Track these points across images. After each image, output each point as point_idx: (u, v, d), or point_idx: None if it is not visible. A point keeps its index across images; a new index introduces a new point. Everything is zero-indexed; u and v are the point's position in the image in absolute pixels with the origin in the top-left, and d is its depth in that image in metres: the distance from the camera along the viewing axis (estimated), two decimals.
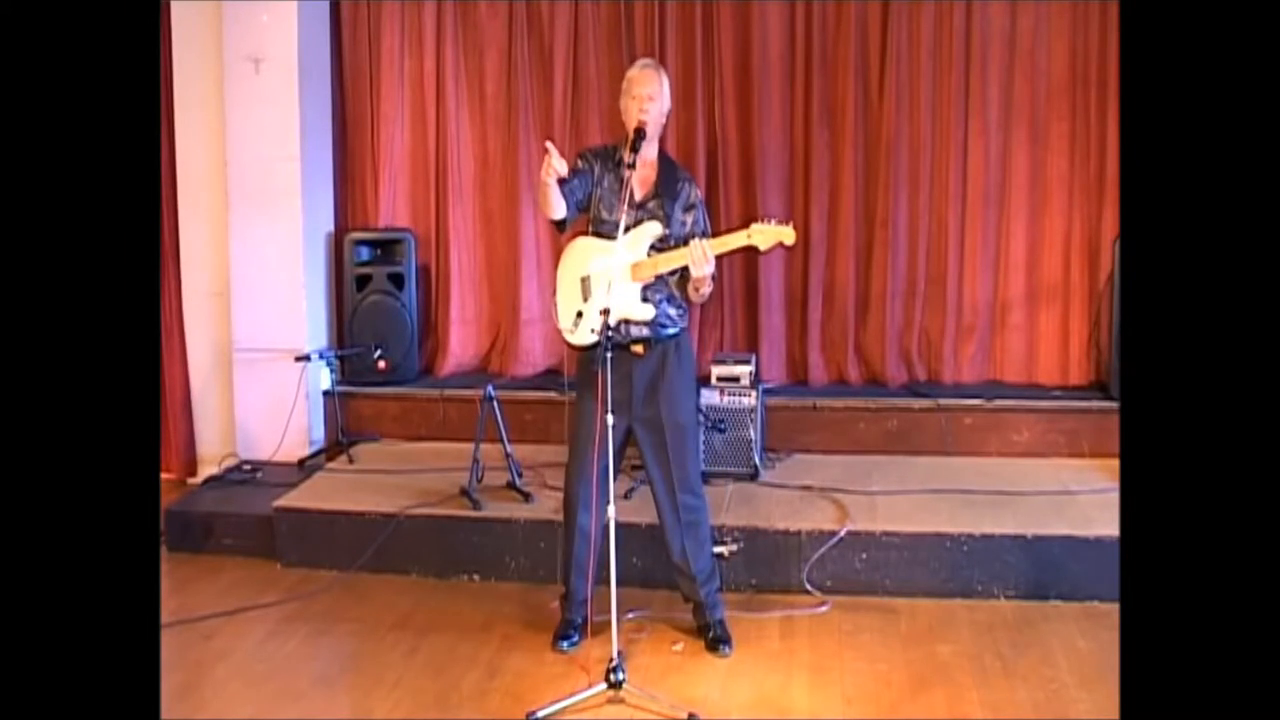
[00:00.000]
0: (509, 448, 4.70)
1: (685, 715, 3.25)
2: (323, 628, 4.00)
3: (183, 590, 4.33)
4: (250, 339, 5.49)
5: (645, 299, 3.64)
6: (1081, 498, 4.44)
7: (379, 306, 5.57)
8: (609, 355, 3.40)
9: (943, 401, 5.12)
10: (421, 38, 5.74)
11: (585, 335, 3.57)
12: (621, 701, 3.35)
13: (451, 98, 5.73)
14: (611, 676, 3.36)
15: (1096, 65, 5.24)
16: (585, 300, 3.65)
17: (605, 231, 3.66)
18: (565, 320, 3.69)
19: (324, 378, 5.50)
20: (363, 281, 5.57)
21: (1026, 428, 5.07)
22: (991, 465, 4.92)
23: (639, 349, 3.67)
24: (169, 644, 3.68)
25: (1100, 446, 4.92)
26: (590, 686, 3.37)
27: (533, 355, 5.76)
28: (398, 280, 5.56)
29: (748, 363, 4.90)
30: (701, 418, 4.61)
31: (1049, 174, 5.35)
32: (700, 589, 3.79)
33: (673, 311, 3.71)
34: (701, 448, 4.46)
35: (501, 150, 5.76)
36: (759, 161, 5.46)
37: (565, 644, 3.74)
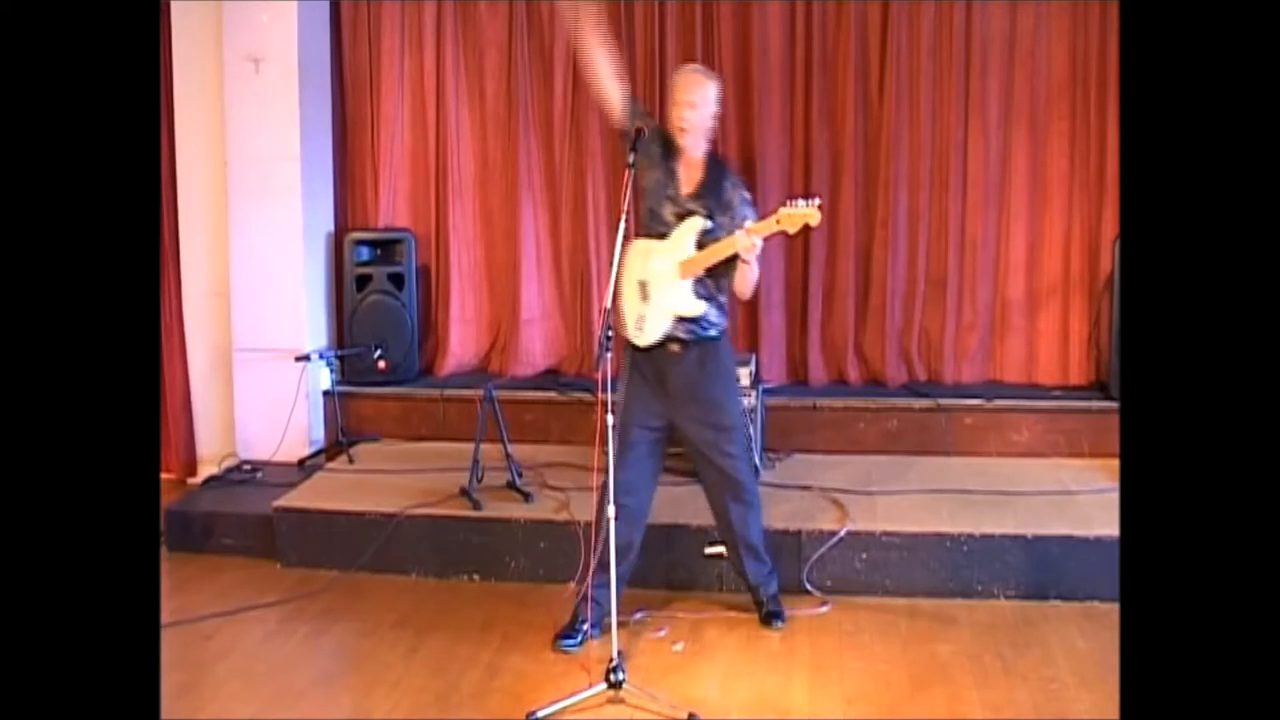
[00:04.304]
0: (509, 448, 4.70)
1: (685, 715, 3.25)
2: (323, 628, 4.00)
3: (183, 590, 4.33)
4: (250, 339, 5.49)
5: (697, 296, 3.71)
6: (1081, 498, 4.44)
7: (379, 306, 5.57)
8: (608, 355, 3.42)
9: (943, 401, 5.12)
10: (421, 38, 5.74)
11: (651, 336, 3.70)
12: (621, 701, 3.35)
13: (451, 98, 5.73)
14: (611, 676, 3.36)
15: (1096, 65, 5.24)
16: (644, 302, 3.73)
17: (655, 231, 3.74)
18: (631, 325, 3.76)
19: (324, 378, 5.50)
20: (363, 281, 5.57)
21: (1026, 428, 5.07)
22: (991, 465, 4.92)
23: (675, 348, 3.73)
24: (169, 644, 3.68)
25: (1100, 446, 4.92)
26: (590, 686, 3.37)
27: (533, 355, 5.75)
28: (398, 280, 5.56)
29: (748, 363, 4.89)
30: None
31: (1049, 174, 5.35)
32: (757, 573, 3.91)
33: (713, 314, 3.76)
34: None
35: (501, 150, 5.76)
36: (759, 161, 5.46)
37: (568, 643, 3.74)
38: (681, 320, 3.70)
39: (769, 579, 3.97)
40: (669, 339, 3.71)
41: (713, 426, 3.78)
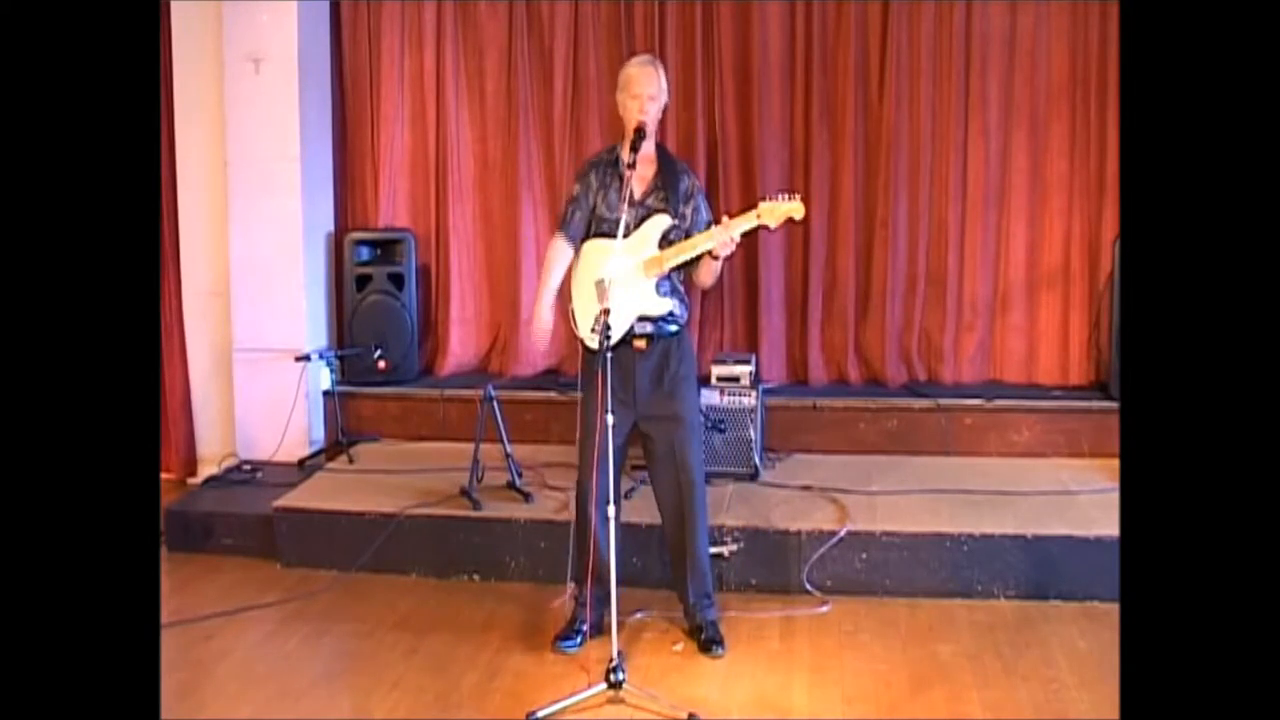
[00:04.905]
0: (509, 448, 4.70)
1: (685, 715, 3.24)
2: (323, 628, 3.99)
3: (183, 590, 4.33)
4: (250, 339, 5.49)
5: (661, 294, 3.67)
6: (1081, 498, 4.44)
7: (379, 306, 5.57)
8: (609, 355, 3.41)
9: (943, 401, 5.12)
10: (421, 38, 5.74)
11: (612, 337, 3.55)
12: (621, 701, 3.35)
13: (451, 98, 5.73)
14: (611, 676, 3.35)
15: (1096, 65, 5.24)
16: (603, 302, 3.59)
17: (609, 231, 3.64)
18: (585, 327, 3.68)
19: (324, 378, 5.50)
20: (363, 281, 5.57)
21: (1026, 428, 5.07)
22: (991, 465, 4.92)
23: (641, 344, 3.68)
24: (169, 644, 3.68)
25: (1100, 446, 4.92)
26: (590, 686, 3.37)
27: (533, 355, 5.74)
28: (398, 280, 5.56)
29: (748, 363, 4.90)
30: (701, 418, 4.61)
31: (1049, 174, 5.35)
32: (696, 588, 3.80)
33: (676, 308, 3.73)
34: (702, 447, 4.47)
35: (501, 150, 5.76)
36: (759, 161, 5.47)
37: (567, 645, 3.74)
38: (645, 317, 3.66)
39: (709, 606, 3.80)
40: (634, 336, 3.65)
41: (679, 423, 3.72)
